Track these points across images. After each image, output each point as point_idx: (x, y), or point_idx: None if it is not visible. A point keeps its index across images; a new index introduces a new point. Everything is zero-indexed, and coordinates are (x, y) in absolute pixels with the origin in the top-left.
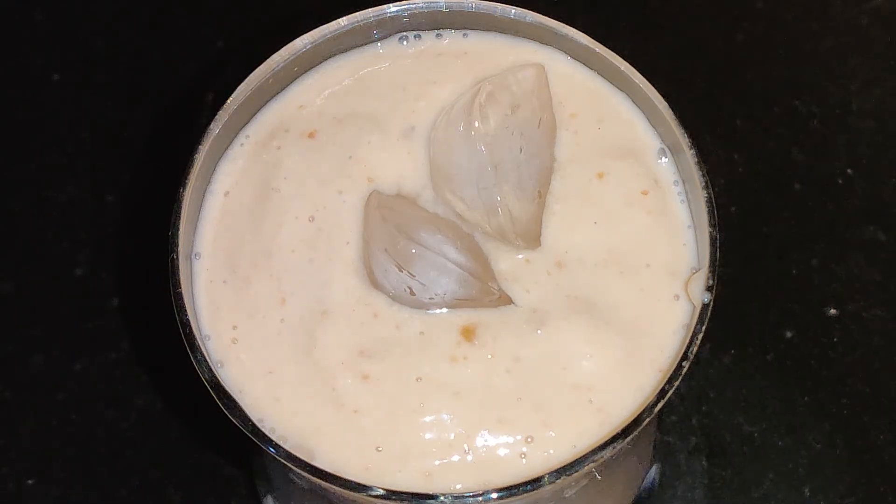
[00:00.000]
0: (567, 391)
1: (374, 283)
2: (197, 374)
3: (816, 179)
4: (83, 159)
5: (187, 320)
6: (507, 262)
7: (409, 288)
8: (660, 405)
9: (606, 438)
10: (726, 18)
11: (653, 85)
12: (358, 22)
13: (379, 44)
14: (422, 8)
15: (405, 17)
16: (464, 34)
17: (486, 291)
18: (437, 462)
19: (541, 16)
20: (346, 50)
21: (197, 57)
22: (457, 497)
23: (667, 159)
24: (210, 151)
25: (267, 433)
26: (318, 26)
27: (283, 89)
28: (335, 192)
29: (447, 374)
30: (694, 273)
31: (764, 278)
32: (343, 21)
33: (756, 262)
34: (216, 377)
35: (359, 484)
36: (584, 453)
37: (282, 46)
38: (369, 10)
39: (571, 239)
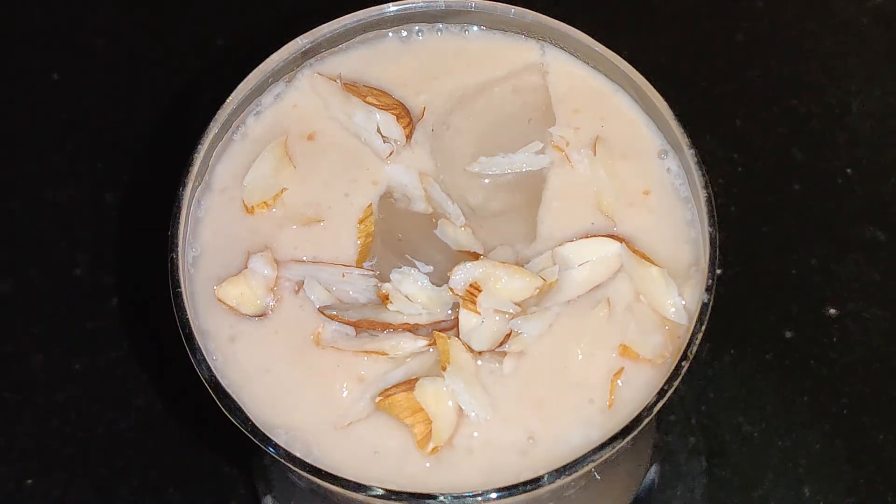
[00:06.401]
0: (568, 390)
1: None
2: (197, 373)
3: (816, 179)
4: (83, 159)
5: (187, 320)
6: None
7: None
8: (660, 405)
9: (606, 438)
10: (726, 18)
11: (653, 85)
12: (358, 21)
13: (379, 41)
14: (422, 7)
15: (405, 15)
16: (464, 32)
17: None
18: (436, 461)
19: (541, 15)
20: (346, 48)
21: (197, 57)
22: (457, 497)
23: (667, 159)
24: (209, 151)
25: (266, 433)
26: (318, 26)
27: (283, 89)
28: (341, 194)
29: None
30: (693, 272)
31: (764, 278)
32: (343, 20)
33: (756, 262)
34: (215, 377)
35: (358, 484)
36: (584, 453)
37: (282, 46)
38: (370, 8)
39: (569, 237)
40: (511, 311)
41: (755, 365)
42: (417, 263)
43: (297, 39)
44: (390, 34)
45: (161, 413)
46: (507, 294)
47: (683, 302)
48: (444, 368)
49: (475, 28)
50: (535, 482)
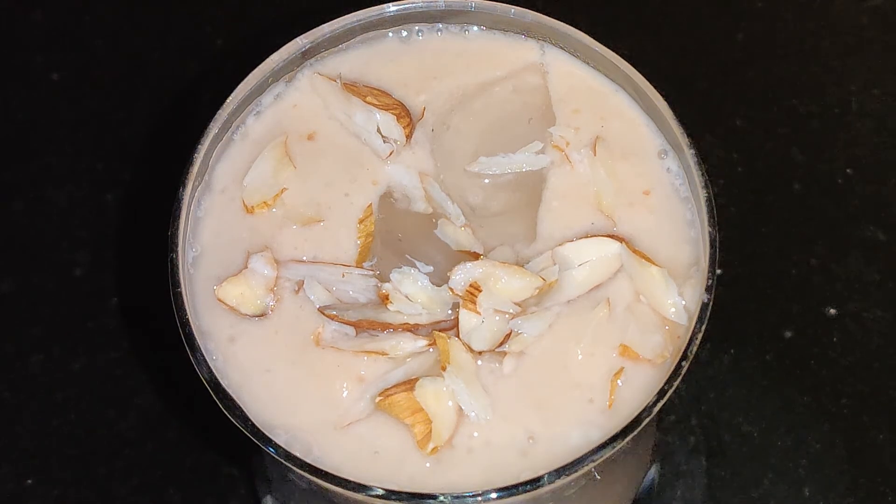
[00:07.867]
0: (568, 390)
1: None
2: (197, 373)
3: (816, 179)
4: (83, 159)
5: (187, 320)
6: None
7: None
8: (659, 405)
9: (606, 438)
10: (726, 18)
11: (653, 85)
12: (358, 21)
13: (379, 41)
14: (422, 7)
15: (405, 15)
16: (464, 32)
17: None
18: (436, 461)
19: (541, 15)
20: (346, 48)
21: (197, 57)
22: (457, 497)
23: (668, 159)
24: (209, 151)
25: (266, 433)
26: (318, 26)
27: (283, 89)
28: (341, 194)
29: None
30: (693, 272)
31: (764, 278)
32: (343, 20)
33: (756, 262)
34: (215, 377)
35: (358, 484)
36: (584, 453)
37: (282, 46)
38: (370, 8)
39: (569, 236)
40: (511, 311)
41: (755, 365)
42: (417, 263)
43: (297, 39)
44: (390, 34)
45: (161, 413)
46: (507, 294)
47: (683, 302)
48: (444, 368)
49: (475, 28)
50: (535, 482)
